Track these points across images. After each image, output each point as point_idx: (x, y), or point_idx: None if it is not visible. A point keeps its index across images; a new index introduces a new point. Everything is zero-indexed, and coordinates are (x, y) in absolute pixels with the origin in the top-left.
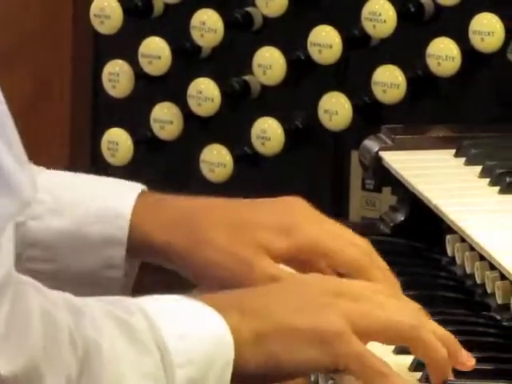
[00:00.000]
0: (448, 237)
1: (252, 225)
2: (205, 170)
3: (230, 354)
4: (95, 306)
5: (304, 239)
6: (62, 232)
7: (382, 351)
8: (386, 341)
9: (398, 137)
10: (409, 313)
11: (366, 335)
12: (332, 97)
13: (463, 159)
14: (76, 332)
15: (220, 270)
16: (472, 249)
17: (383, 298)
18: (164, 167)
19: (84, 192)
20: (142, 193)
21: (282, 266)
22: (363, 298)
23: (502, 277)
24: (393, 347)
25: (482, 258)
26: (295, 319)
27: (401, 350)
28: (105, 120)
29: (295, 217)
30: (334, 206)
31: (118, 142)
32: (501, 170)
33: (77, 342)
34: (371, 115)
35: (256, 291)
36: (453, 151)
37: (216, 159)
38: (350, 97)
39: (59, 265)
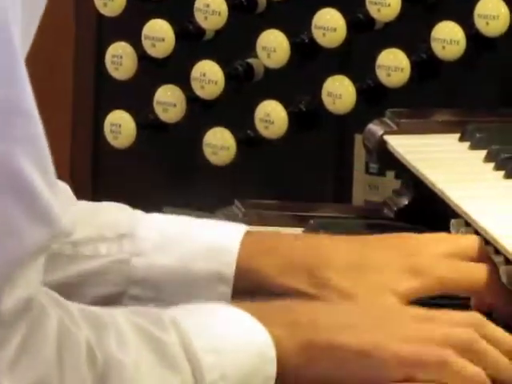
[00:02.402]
0: (452, 221)
1: (376, 266)
2: (208, 153)
3: (272, 370)
4: (123, 319)
5: (433, 280)
6: (167, 269)
7: None
8: None
9: (402, 121)
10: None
11: None
12: (336, 80)
13: (468, 143)
14: (97, 348)
15: None
16: (477, 233)
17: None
18: (167, 150)
19: (189, 228)
20: (248, 232)
21: None
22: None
23: (507, 261)
24: None
25: (486, 242)
26: (341, 336)
27: None
28: (107, 102)
29: (421, 256)
30: (337, 189)
31: (120, 124)
32: (506, 155)
33: (96, 358)
34: (375, 99)
35: (304, 305)
36: (457, 135)
37: (219, 142)
38: (354, 80)
39: (163, 304)
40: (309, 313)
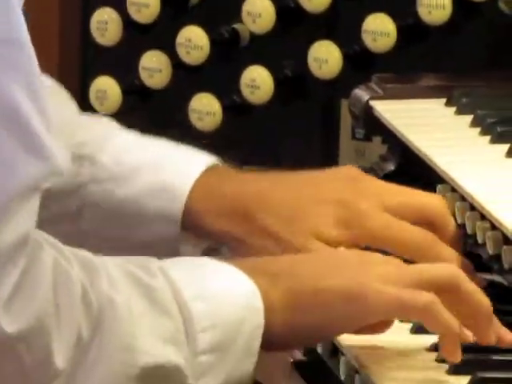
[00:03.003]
0: (439, 186)
1: (309, 213)
2: (193, 118)
3: (260, 319)
4: (114, 265)
5: (363, 232)
6: (119, 200)
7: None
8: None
9: (388, 86)
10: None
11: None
12: (322, 45)
13: (454, 108)
14: (91, 290)
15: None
16: (463, 199)
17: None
18: (153, 116)
19: (147, 160)
20: (208, 169)
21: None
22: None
23: (493, 227)
24: (409, 327)
25: (472, 208)
26: (325, 281)
27: (418, 330)
28: (93, 68)
29: (356, 204)
30: (324, 154)
31: (106, 90)
32: (492, 120)
33: (91, 299)
34: (361, 64)
35: (285, 257)
36: (444, 100)
37: (205, 108)
38: (340, 45)
39: (116, 233)
40: (288, 264)
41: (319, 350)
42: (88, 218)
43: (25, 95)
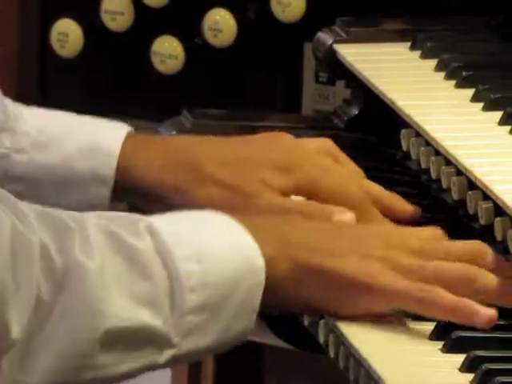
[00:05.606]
0: (403, 131)
1: (251, 162)
2: (156, 61)
3: (260, 278)
4: (96, 224)
5: (304, 178)
6: (47, 167)
7: None
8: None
9: (352, 29)
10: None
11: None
12: None
13: (419, 52)
14: (57, 252)
15: (223, 205)
16: (427, 144)
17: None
18: (115, 59)
19: (70, 127)
20: (130, 132)
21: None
22: (419, 253)
23: (458, 172)
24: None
25: (437, 153)
26: (338, 263)
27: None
28: (54, 10)
29: (294, 154)
30: (287, 99)
31: (68, 33)
32: (457, 64)
33: (54, 262)
34: (325, 7)
35: (300, 225)
36: (408, 44)
37: (167, 51)
38: None
39: (43, 201)
40: (304, 231)
41: None
42: (12, 191)
43: None
